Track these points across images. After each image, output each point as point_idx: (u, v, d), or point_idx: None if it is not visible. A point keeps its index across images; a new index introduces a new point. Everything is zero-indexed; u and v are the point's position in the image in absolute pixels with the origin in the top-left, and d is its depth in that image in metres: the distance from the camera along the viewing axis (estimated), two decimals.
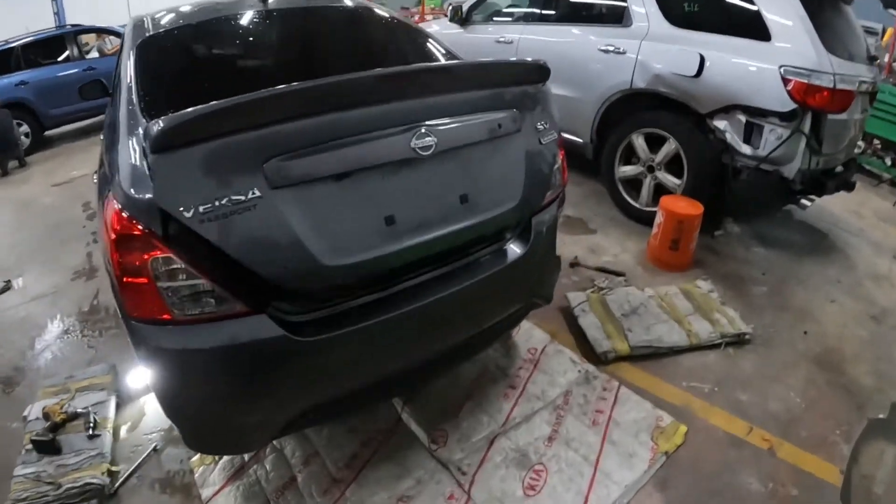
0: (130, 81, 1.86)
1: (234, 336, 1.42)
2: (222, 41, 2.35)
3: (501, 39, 4.58)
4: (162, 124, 1.27)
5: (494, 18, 5.01)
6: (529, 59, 1.95)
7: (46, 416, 2.23)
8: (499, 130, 1.75)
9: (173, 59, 2.13)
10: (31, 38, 7.73)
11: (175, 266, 1.37)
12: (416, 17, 10.21)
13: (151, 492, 2.01)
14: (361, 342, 1.58)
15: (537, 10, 4.52)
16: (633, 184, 3.82)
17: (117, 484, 2.01)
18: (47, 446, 2.10)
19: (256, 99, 1.36)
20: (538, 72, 1.91)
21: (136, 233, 1.36)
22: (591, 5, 4.22)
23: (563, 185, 2.12)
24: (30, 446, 2.11)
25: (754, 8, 3.19)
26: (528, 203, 1.85)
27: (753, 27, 3.17)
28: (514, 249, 1.90)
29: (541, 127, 1.91)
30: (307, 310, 1.54)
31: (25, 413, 2.34)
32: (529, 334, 2.67)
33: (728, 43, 3.25)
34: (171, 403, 1.55)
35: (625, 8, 3.75)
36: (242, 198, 1.34)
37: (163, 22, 2.28)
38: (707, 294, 2.96)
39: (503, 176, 1.79)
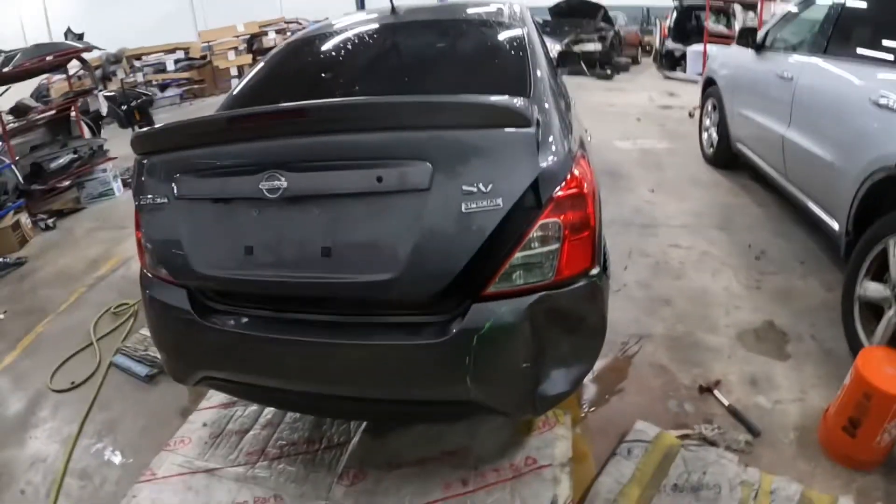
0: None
1: (165, 295, 1.89)
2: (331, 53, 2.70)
3: (784, 75, 3.46)
4: (134, 133, 1.90)
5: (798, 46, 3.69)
6: (511, 99, 1.55)
7: None
8: (378, 185, 1.53)
9: (285, 65, 2.65)
10: None
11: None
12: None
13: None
14: (238, 344, 1.82)
15: (824, 36, 3.20)
16: (877, 311, 2.43)
17: None
18: None
19: (176, 126, 1.82)
20: (483, 115, 1.55)
21: None
22: (884, 28, 2.76)
23: (556, 278, 1.61)
24: None
25: None
26: (419, 280, 1.56)
27: None
28: (429, 332, 1.62)
29: (471, 189, 1.50)
30: (213, 299, 1.87)
31: None
32: (551, 442, 2.11)
33: None
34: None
35: None
36: (159, 199, 1.82)
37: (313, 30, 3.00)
38: None
39: (378, 240, 1.60)
